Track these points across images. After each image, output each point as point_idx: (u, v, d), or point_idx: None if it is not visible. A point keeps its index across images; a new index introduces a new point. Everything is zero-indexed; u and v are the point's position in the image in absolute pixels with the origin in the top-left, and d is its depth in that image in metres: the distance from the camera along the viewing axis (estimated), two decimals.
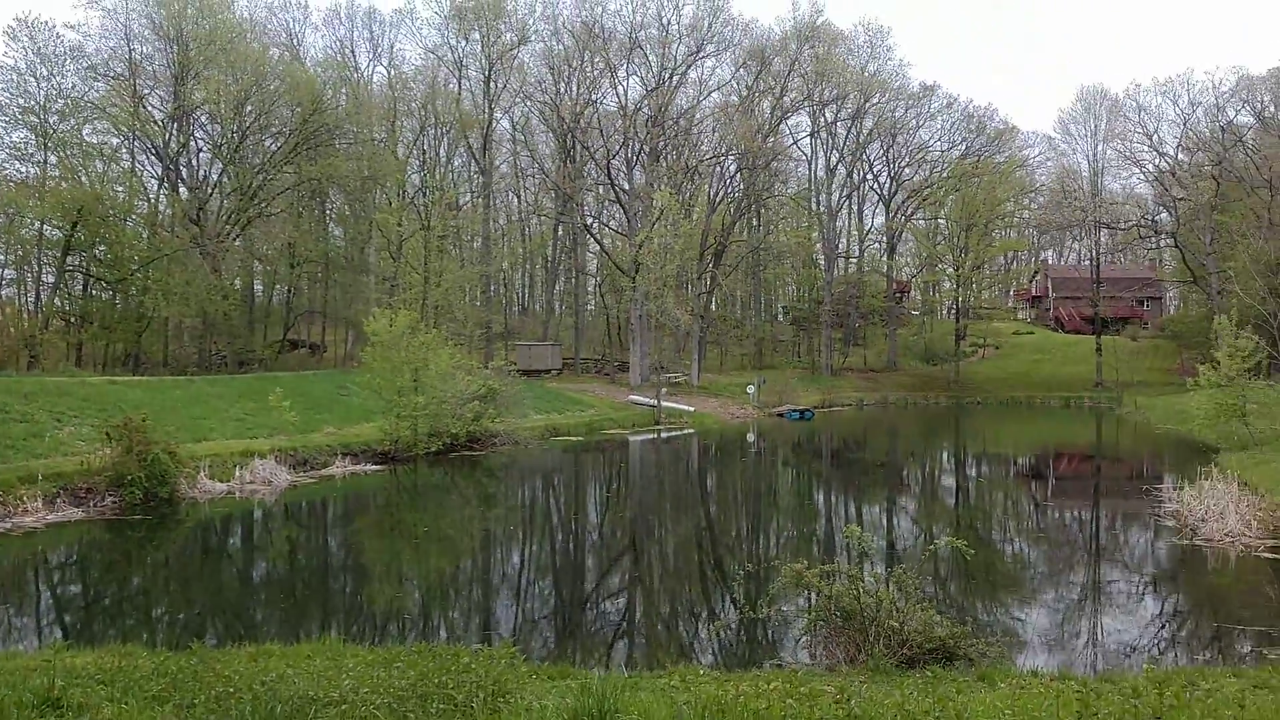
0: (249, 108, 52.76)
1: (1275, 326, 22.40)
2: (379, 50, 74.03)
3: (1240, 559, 19.10)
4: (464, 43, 69.59)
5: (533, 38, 70.76)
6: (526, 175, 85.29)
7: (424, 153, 71.43)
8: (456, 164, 78.19)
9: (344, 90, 64.21)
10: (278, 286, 66.25)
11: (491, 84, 69.93)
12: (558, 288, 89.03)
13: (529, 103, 73.84)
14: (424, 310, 53.02)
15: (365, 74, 73.36)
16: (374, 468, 33.50)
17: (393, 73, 72.14)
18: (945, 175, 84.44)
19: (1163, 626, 16.03)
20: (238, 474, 28.43)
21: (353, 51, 72.59)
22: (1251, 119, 78.06)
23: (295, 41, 71.27)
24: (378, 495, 30.69)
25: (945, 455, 47.17)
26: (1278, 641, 13.47)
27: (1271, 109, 76.85)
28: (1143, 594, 18.34)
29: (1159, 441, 45.80)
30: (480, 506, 29.61)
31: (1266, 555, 19.03)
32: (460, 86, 70.33)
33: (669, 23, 69.36)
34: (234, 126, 52.89)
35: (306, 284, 67.20)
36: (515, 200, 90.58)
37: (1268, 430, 31.57)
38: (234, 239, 54.17)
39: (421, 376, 36.25)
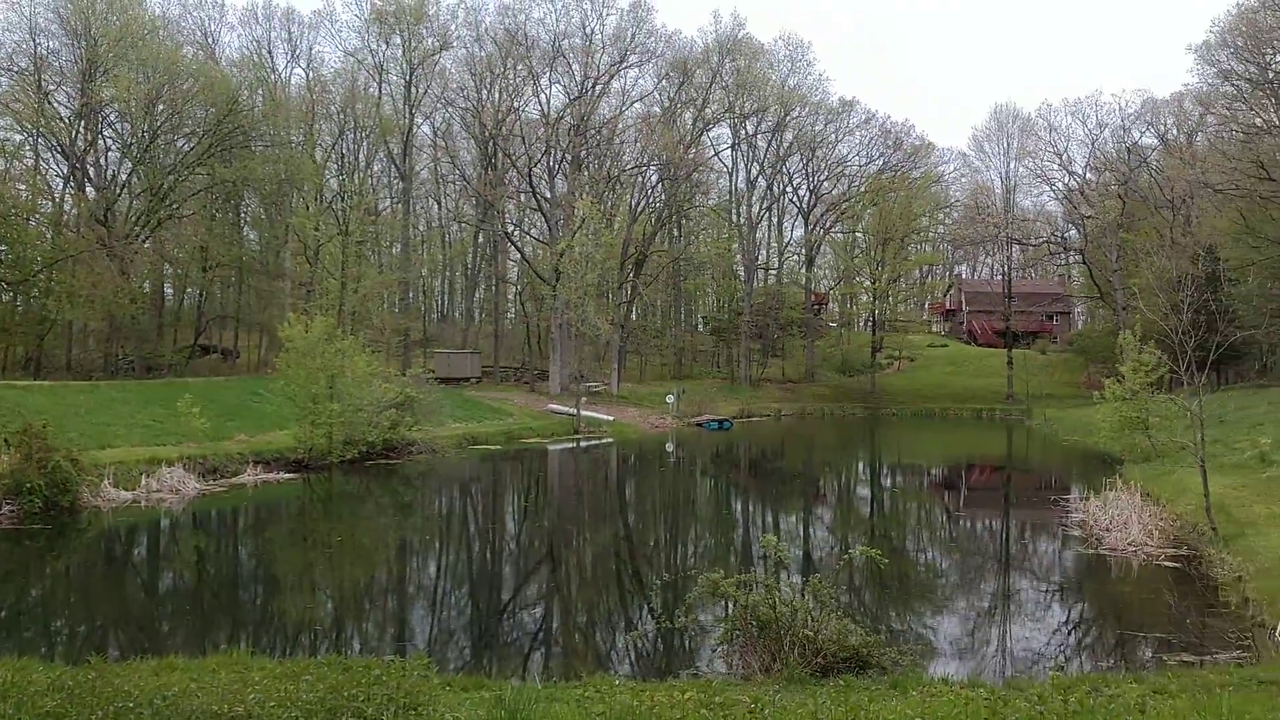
0: (160, 107, 51.45)
1: (1177, 342, 23.08)
2: (297, 52, 72.90)
3: (1142, 567, 19.65)
4: (384, 47, 68.91)
5: (455, 43, 70.46)
6: (447, 181, 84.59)
7: (343, 157, 70.41)
8: (376, 169, 77.33)
9: (260, 91, 63.05)
10: (189, 290, 64.68)
11: (413, 89, 69.31)
12: (478, 295, 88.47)
13: (450, 109, 73.45)
14: (341, 316, 52.20)
15: (283, 75, 72.17)
16: (287, 476, 32.81)
17: (311, 75, 71.10)
18: (863, 189, 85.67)
19: (1069, 634, 16.41)
20: (144, 482, 27.63)
21: (270, 52, 71.35)
22: (1155, 141, 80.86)
23: (210, 40, 69.89)
24: (291, 504, 30.07)
25: (861, 466, 47.83)
26: (1177, 648, 13.86)
27: (1174, 132, 79.59)
28: (1050, 602, 18.76)
29: (1066, 453, 47.01)
30: (396, 515, 29.21)
31: (1167, 564, 19.60)
32: (381, 91, 69.62)
33: (592, 32, 69.58)
34: (145, 125, 51.53)
35: (219, 288, 65.72)
36: (436, 206, 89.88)
37: (1169, 442, 32.48)
38: (143, 241, 52.72)
39: (337, 384, 35.68)
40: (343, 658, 11.77)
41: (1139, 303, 49.52)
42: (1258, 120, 57.33)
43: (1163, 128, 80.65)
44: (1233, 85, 57.28)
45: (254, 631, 15.85)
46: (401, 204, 74.55)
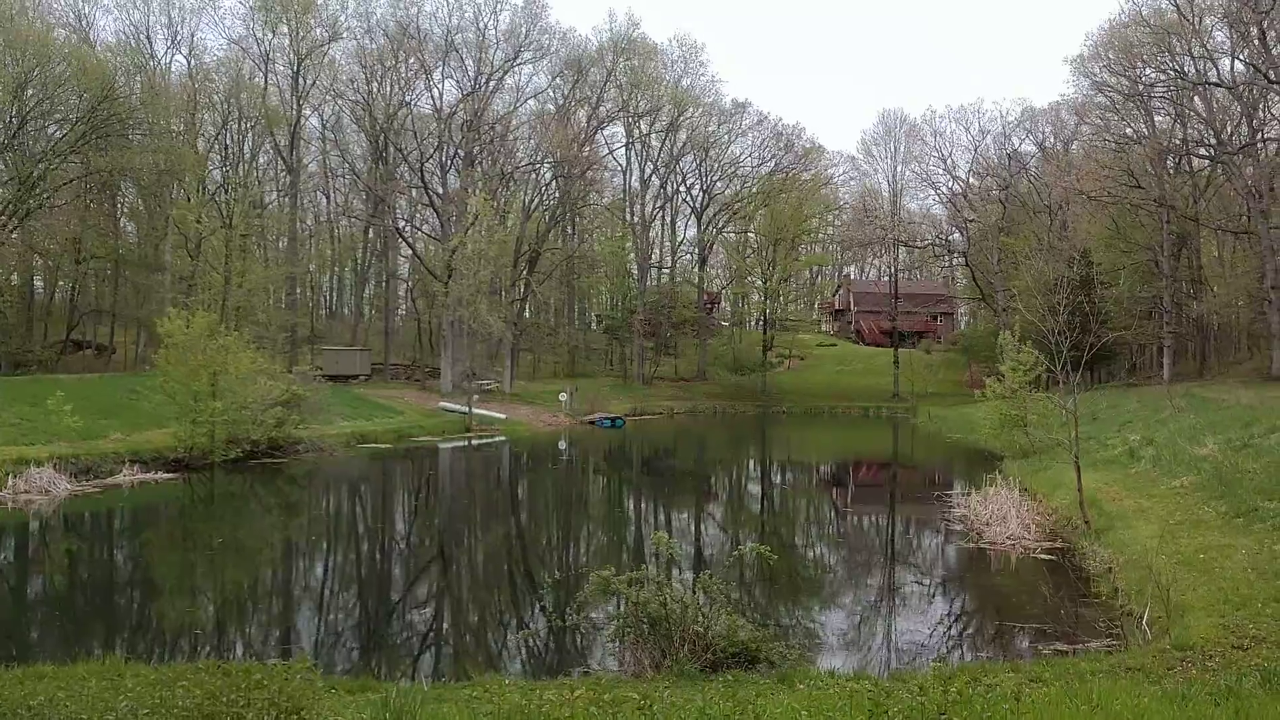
0: (30, 91, 49.11)
1: (1053, 342, 23.97)
2: (178, 38, 70.20)
3: (1020, 560, 20.31)
4: (271, 35, 67.08)
5: (345, 34, 68.89)
6: (337, 175, 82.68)
7: (226, 148, 68.24)
8: (262, 161, 75.13)
9: (139, 78, 60.69)
10: (61, 283, 61.98)
11: (300, 80, 67.63)
12: (368, 291, 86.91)
13: (340, 101, 71.86)
14: (224, 312, 50.66)
15: (163, 62, 69.48)
16: (167, 476, 31.65)
17: (193, 63, 68.62)
18: (755, 190, 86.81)
19: (951, 626, 16.87)
20: (10, 483, 26.42)
21: (149, 37, 68.62)
22: (1034, 148, 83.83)
23: (84, 23, 66.86)
24: (170, 505, 29.07)
25: (752, 463, 48.45)
26: (1052, 637, 14.36)
27: (1052, 140, 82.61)
28: (933, 595, 19.28)
29: (950, 450, 48.36)
30: (281, 516, 28.50)
31: (1043, 556, 20.29)
32: (267, 81, 67.73)
33: (486, 27, 68.96)
34: (12, 111, 49.09)
35: (94, 282, 63.10)
36: (324, 201, 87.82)
37: (1046, 439, 33.65)
38: (10, 232, 50.33)
39: (220, 381, 34.64)
40: (223, 662, 11.40)
41: (1018, 304, 51.34)
42: (1128, 130, 59.83)
43: (1041, 136, 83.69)
44: (1106, 96, 59.68)
45: (129, 637, 15.30)
46: (289, 197, 72.69)
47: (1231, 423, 31.11)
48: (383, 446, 43.76)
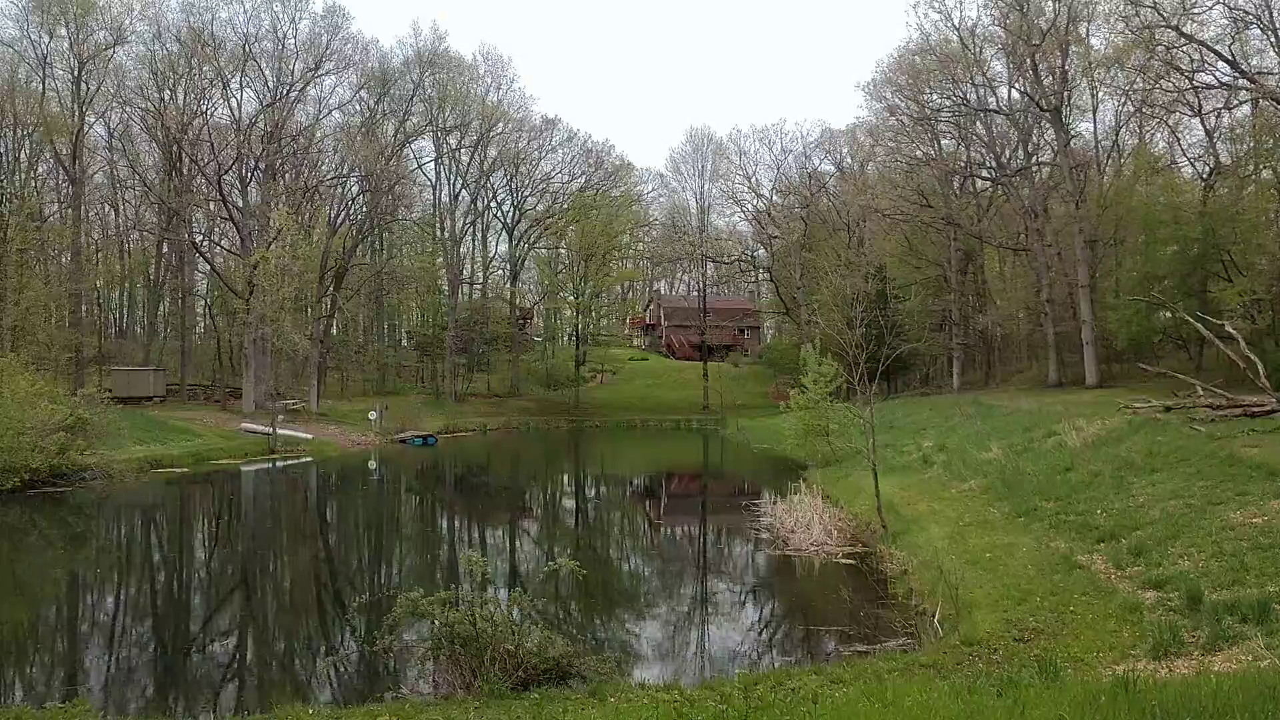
0: None
1: (851, 355, 25.07)
2: None
3: (823, 566, 21.10)
4: (48, 38, 62.94)
5: (132, 39, 65.26)
6: (127, 187, 78.12)
7: (0, 157, 63.67)
8: (41, 170, 70.36)
9: None
10: None
11: (83, 85, 63.65)
12: (163, 309, 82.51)
13: (129, 108, 68.00)
14: None
15: None
16: None
17: None
18: (566, 206, 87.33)
19: (761, 632, 17.38)
20: None
21: None
22: (833, 168, 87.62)
23: None
24: None
25: (566, 478, 48.56)
26: (854, 639, 14.97)
27: (849, 160, 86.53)
28: (744, 603, 19.81)
29: (758, 460, 49.73)
30: (65, 548, 26.67)
31: (845, 561, 21.15)
32: (45, 86, 63.53)
33: (285, 36, 66.69)
34: None
35: None
36: (113, 214, 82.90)
37: (847, 448, 35.02)
38: None
39: None
40: None
41: (819, 318, 53.45)
42: (918, 152, 63.34)
43: (839, 156, 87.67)
44: (897, 120, 62.99)
45: None
46: (72, 209, 68.24)
47: (1014, 428, 33.29)
48: (179, 471, 41.59)
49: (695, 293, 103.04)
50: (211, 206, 68.73)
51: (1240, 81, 40.71)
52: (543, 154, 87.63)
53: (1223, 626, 11.16)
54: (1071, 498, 20.54)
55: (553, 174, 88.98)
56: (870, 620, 16.07)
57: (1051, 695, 8.20)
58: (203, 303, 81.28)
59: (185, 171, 66.21)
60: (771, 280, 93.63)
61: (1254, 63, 42.23)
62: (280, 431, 51.40)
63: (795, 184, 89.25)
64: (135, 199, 78.51)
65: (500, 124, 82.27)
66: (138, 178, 71.58)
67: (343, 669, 14.47)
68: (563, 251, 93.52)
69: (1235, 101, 43.86)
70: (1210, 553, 14.42)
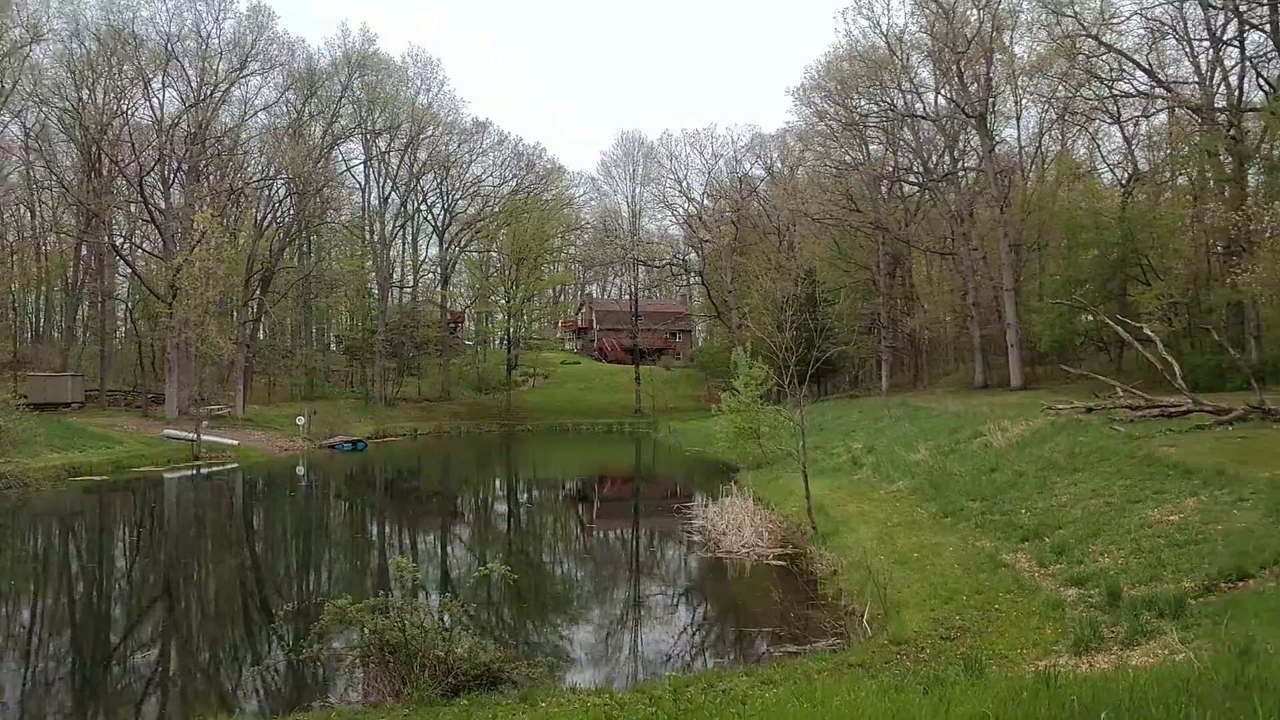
0: None
1: (781, 358, 25.30)
2: None
3: (754, 567, 21.24)
4: None
5: (49, 36, 63.52)
6: (43, 188, 75.99)
7: None
8: None
9: None
10: None
11: None
12: (81, 313, 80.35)
13: (46, 107, 66.11)
14: None
15: None
16: None
17: None
18: (497, 209, 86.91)
19: (694, 634, 17.44)
20: None
21: None
22: (763, 172, 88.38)
23: None
24: None
25: (498, 482, 48.27)
26: (784, 639, 15.09)
27: (779, 164, 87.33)
28: (677, 605, 19.85)
29: (690, 463, 49.93)
30: None
31: (776, 562, 21.32)
32: None
33: (209, 35, 65.39)
34: None
35: None
36: (29, 215, 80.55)
37: (777, 450, 35.28)
38: None
39: None
40: None
41: (750, 321, 53.82)
42: (847, 157, 64.21)
43: (769, 160, 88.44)
44: (826, 125, 63.74)
45: None
46: None
47: (941, 429, 33.82)
48: (99, 479, 40.54)
49: (627, 296, 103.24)
50: (133, 208, 67.11)
51: (1157, 90, 42.01)
52: (473, 157, 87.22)
53: (1140, 622, 11.42)
54: (997, 498, 20.93)
55: (484, 177, 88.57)
56: (800, 621, 16.20)
57: (976, 692, 8.33)
58: (123, 307, 79.33)
59: (105, 172, 64.55)
60: (703, 284, 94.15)
61: (1170, 72, 43.62)
62: (205, 438, 50.39)
63: (726, 188, 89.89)
64: (53, 200, 76.45)
65: (430, 127, 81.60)
66: (55, 179, 69.58)
67: (269, 679, 14.24)
68: (494, 255, 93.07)
69: (1152, 110, 45.29)
70: (1129, 550, 14.77)
